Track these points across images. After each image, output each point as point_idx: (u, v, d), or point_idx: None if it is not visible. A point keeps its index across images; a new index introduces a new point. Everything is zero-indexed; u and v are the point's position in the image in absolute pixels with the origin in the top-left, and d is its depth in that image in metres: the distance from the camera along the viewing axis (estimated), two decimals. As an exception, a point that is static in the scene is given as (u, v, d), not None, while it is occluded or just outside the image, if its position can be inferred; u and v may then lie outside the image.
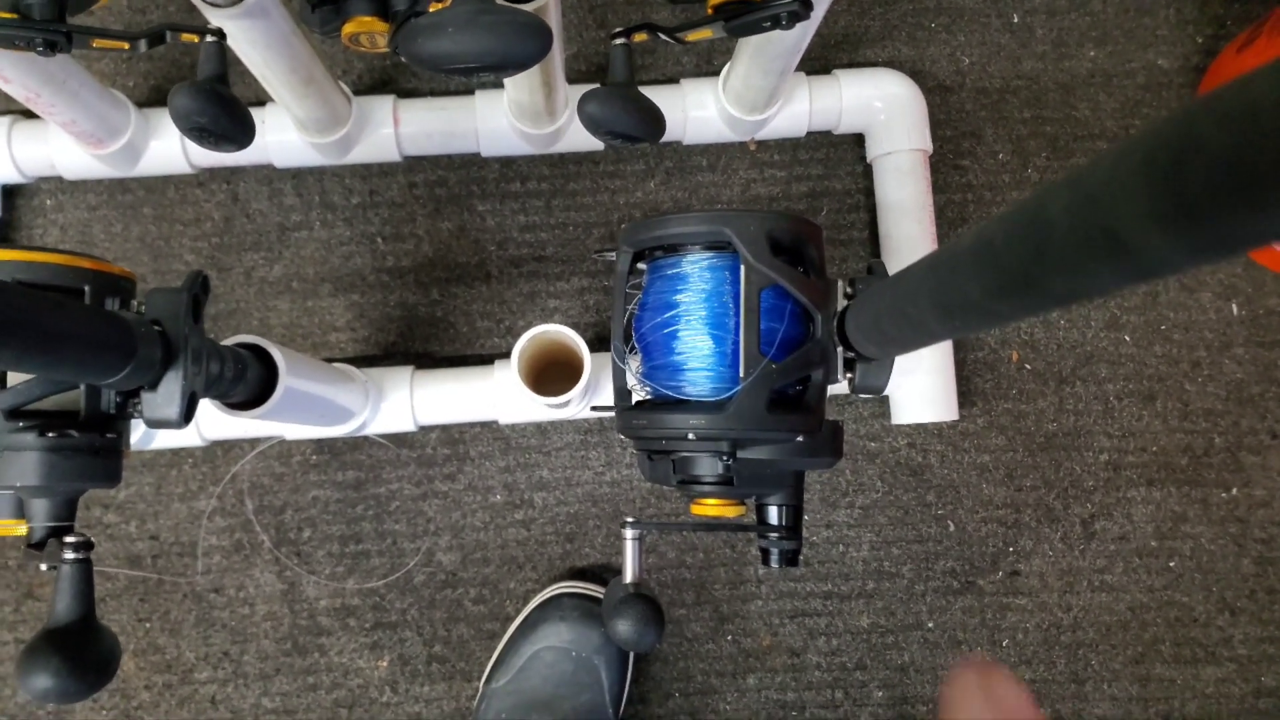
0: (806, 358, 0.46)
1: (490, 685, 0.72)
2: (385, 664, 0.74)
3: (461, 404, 0.72)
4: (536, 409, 0.72)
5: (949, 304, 0.32)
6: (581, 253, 0.77)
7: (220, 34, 0.45)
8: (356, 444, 0.75)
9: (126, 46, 0.43)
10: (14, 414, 0.38)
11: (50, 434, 0.38)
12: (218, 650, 0.74)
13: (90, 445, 0.39)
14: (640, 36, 0.47)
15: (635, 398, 0.51)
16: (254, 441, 0.74)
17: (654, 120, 0.47)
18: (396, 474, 0.75)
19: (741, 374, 0.45)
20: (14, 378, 0.39)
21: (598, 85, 0.49)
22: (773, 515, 0.49)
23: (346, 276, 0.76)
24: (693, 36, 0.46)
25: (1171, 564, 0.78)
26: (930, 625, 0.77)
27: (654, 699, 0.75)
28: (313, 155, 0.73)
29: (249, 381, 0.50)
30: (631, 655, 0.73)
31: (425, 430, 0.75)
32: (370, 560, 0.75)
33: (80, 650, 0.36)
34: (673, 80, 0.76)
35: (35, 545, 0.40)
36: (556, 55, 0.61)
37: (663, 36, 0.48)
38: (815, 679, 0.76)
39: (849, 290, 0.47)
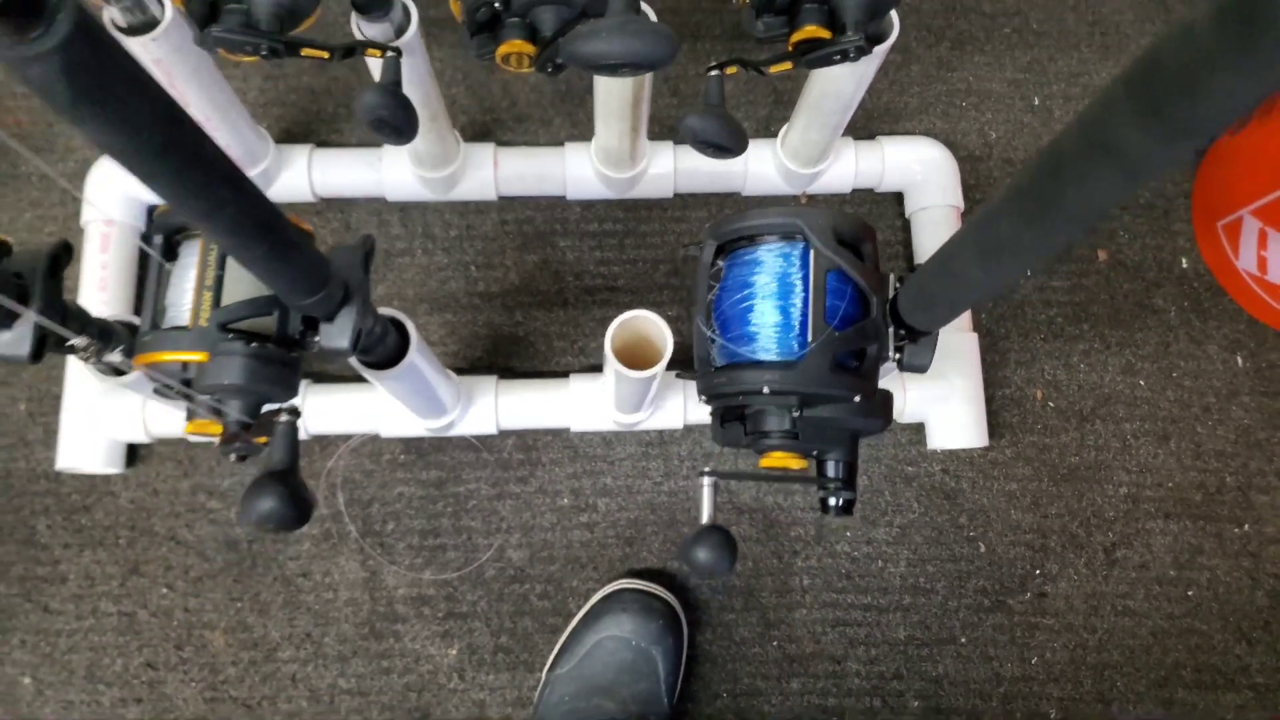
0: (863, 331, 0.54)
1: (554, 672, 0.77)
2: (454, 652, 0.80)
3: (539, 411, 0.80)
4: (605, 419, 0.80)
5: (986, 246, 0.40)
6: (649, 284, 0.87)
7: (398, 51, 0.56)
8: (440, 446, 0.83)
9: (328, 56, 0.54)
10: (225, 327, 0.47)
11: (253, 344, 0.46)
12: (301, 631, 0.80)
13: (281, 358, 0.47)
14: (731, 70, 0.57)
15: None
16: (348, 438, 0.82)
17: (740, 134, 0.57)
18: (475, 475, 0.83)
19: (810, 339, 0.53)
20: (227, 298, 0.48)
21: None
22: (831, 469, 0.56)
23: (442, 298, 0.86)
24: (775, 69, 0.56)
25: (1190, 593, 0.84)
26: (963, 640, 0.82)
27: (703, 698, 0.80)
28: (420, 190, 0.84)
29: (386, 345, 0.58)
30: (685, 648, 0.78)
31: (503, 436, 0.83)
32: (446, 553, 0.81)
33: (294, 487, 0.44)
34: (735, 140, 0.87)
35: (226, 440, 0.48)
36: (644, 106, 0.72)
37: (750, 69, 0.58)
38: (855, 686, 0.81)
39: (898, 284, 0.56)
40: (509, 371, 0.84)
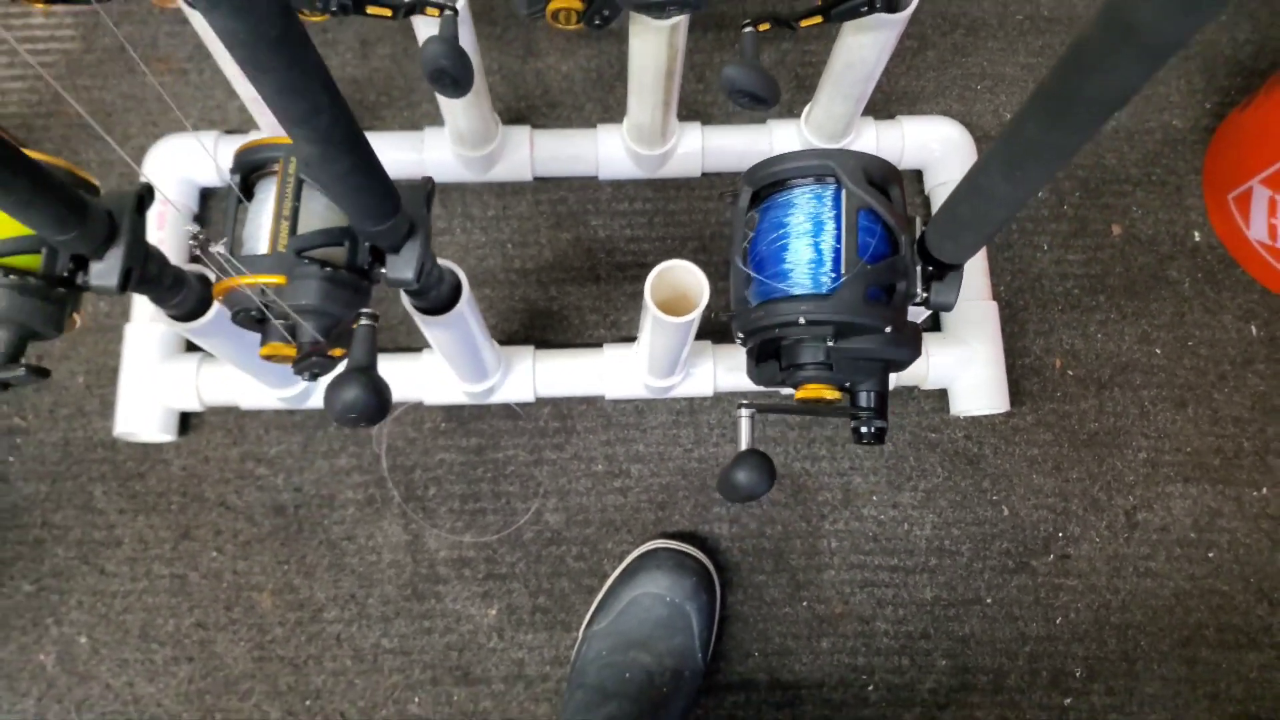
0: (893, 266, 0.57)
1: (591, 629, 0.80)
2: (494, 612, 0.83)
3: (575, 378, 0.83)
4: (637, 386, 0.83)
5: (1012, 155, 0.43)
6: (679, 261, 0.90)
7: (455, 10, 0.60)
8: (480, 414, 0.86)
9: (390, 14, 0.58)
10: (301, 254, 0.50)
11: (326, 268, 0.50)
12: (345, 593, 0.83)
13: (353, 283, 0.51)
14: (764, 26, 0.61)
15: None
16: (394, 406, 0.85)
17: (773, 86, 0.60)
18: (513, 442, 0.86)
19: (843, 271, 0.56)
20: (302, 227, 0.51)
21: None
22: (864, 399, 0.59)
23: (480, 275, 0.89)
24: (806, 23, 0.60)
25: (1210, 555, 0.86)
26: (989, 600, 0.84)
27: (735, 657, 0.83)
28: (459, 171, 0.88)
29: (440, 292, 0.62)
30: (718, 606, 0.81)
31: (539, 404, 0.86)
32: (486, 517, 0.84)
33: (375, 379, 0.47)
34: (760, 122, 0.91)
35: (301, 359, 0.51)
36: (676, 79, 0.76)
37: (782, 26, 0.62)
38: (883, 645, 0.83)
39: (924, 225, 0.59)
40: (545, 344, 0.87)
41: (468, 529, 0.84)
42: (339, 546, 0.84)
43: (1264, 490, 0.87)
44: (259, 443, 0.85)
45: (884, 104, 0.94)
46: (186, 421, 0.86)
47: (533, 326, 0.89)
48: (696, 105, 0.94)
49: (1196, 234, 0.92)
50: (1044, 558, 0.85)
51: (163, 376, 0.81)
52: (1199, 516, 0.86)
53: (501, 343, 0.87)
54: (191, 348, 0.86)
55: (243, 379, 0.80)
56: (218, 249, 0.45)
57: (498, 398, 0.83)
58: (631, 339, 0.87)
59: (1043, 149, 0.41)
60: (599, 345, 0.85)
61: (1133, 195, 0.93)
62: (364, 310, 0.51)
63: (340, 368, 0.49)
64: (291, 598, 0.83)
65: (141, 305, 0.84)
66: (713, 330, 0.87)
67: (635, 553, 0.82)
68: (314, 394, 0.82)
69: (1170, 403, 0.89)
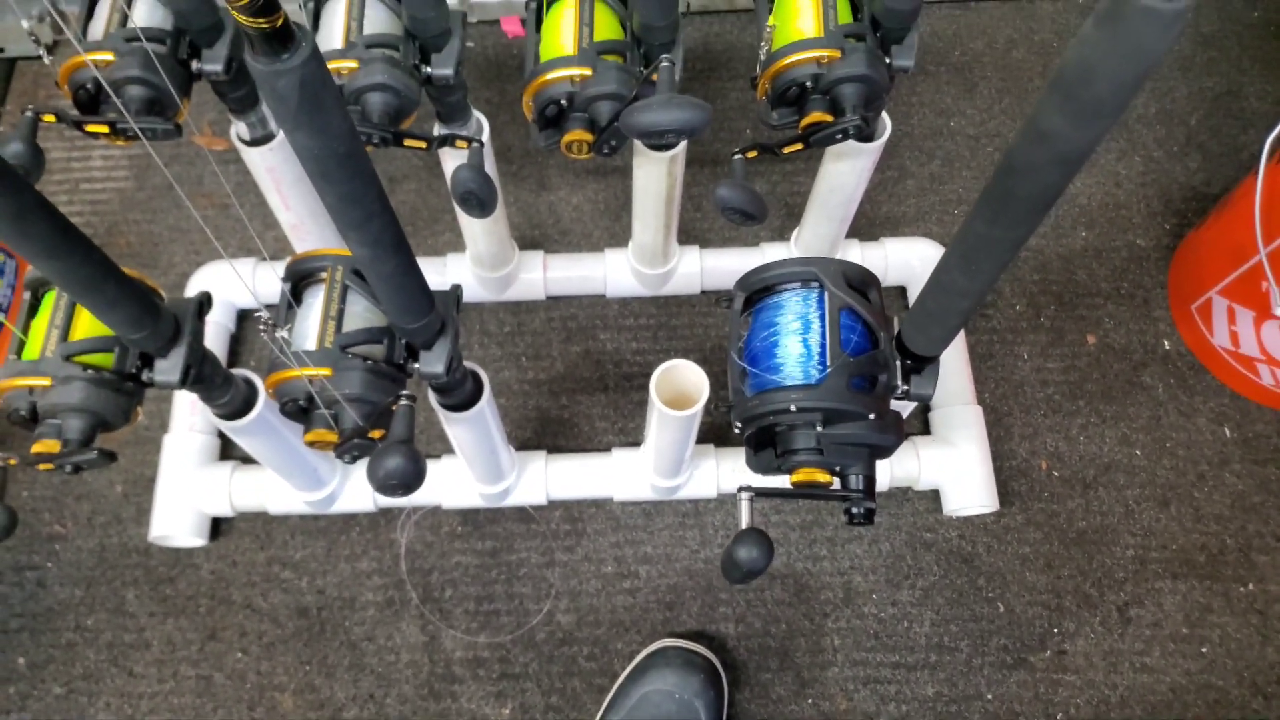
0: (874, 359, 0.63)
1: (602, 724, 0.82)
2: (508, 711, 0.85)
3: (585, 480, 0.88)
4: (645, 488, 0.88)
5: (967, 251, 0.50)
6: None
7: (481, 142, 0.68)
8: (494, 518, 0.90)
9: (425, 146, 0.66)
10: (345, 350, 0.56)
11: (368, 361, 0.56)
12: (365, 692, 0.85)
13: (391, 374, 0.57)
14: (752, 154, 0.69)
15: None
16: (413, 511, 0.90)
17: (761, 204, 0.68)
18: (526, 544, 0.90)
19: (828, 363, 0.62)
20: (346, 327, 0.58)
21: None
22: (853, 482, 0.64)
23: (496, 386, 0.95)
24: (789, 149, 0.68)
25: (1204, 650, 0.88)
26: (990, 696, 0.86)
27: (743, 754, 0.84)
28: (478, 292, 0.95)
29: (465, 389, 0.68)
30: (726, 704, 0.83)
31: (551, 507, 0.91)
32: (500, 618, 0.88)
33: (413, 452, 0.52)
34: (754, 245, 0.99)
35: (344, 442, 0.56)
36: (676, 205, 0.84)
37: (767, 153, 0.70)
38: (888, 741, 0.85)
39: (900, 326, 0.65)
40: (557, 449, 0.93)
41: (482, 629, 0.87)
42: (359, 647, 0.87)
43: (1250, 585, 0.90)
44: (285, 547, 0.90)
45: (868, 228, 1.02)
46: (217, 528, 0.90)
47: (545, 434, 0.94)
48: (695, 231, 1.03)
49: (1166, 342, 0.99)
50: (1041, 654, 0.88)
51: (197, 482, 0.86)
52: (1190, 612, 0.89)
53: (516, 449, 0.93)
54: (224, 457, 0.92)
55: (272, 484, 0.86)
56: (282, 334, 0.52)
57: (512, 500, 0.88)
58: (637, 444, 0.92)
59: (990, 243, 0.47)
60: (608, 450, 0.90)
61: (1104, 307, 1.00)
62: (403, 392, 0.56)
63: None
64: (312, 697, 0.85)
65: (180, 416, 0.90)
66: (714, 434, 0.92)
67: (645, 651, 0.85)
68: (339, 498, 0.87)
69: (1153, 501, 0.93)
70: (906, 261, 0.97)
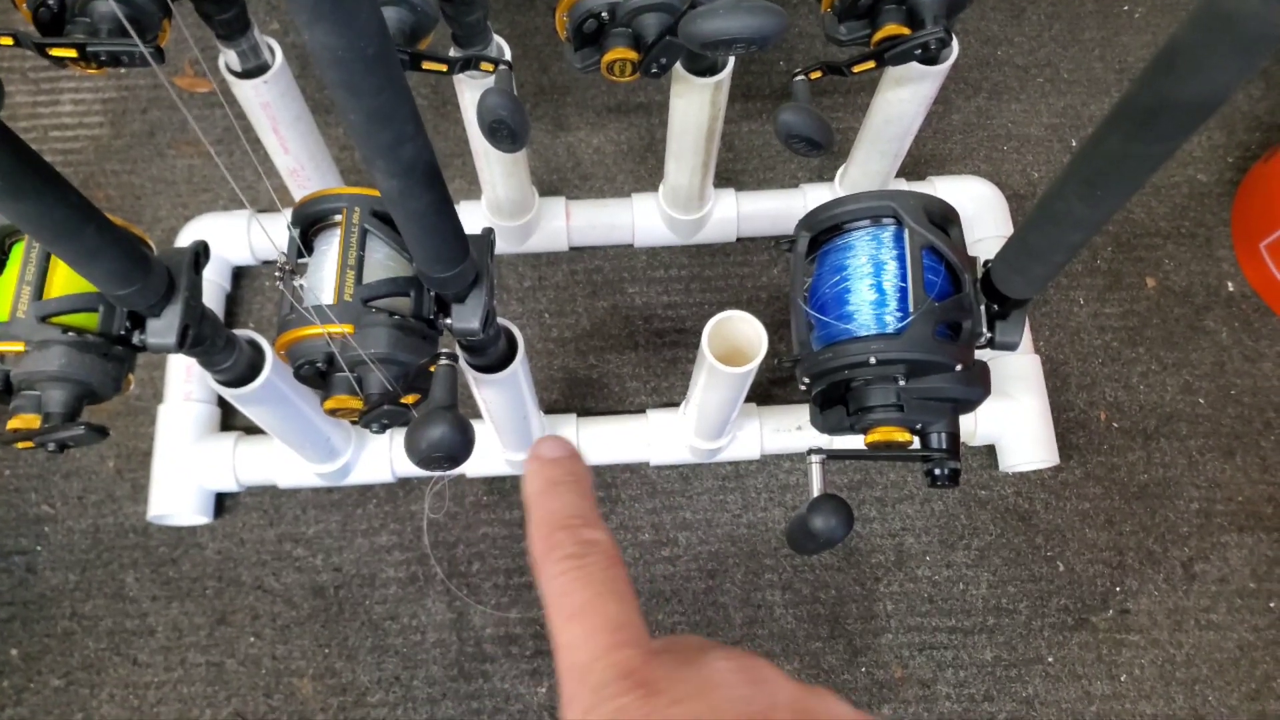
0: (959, 304, 0.57)
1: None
2: (544, 689, 0.80)
3: (619, 443, 0.82)
4: (683, 450, 0.82)
5: (1091, 174, 0.43)
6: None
7: (510, 64, 0.60)
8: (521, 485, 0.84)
9: (445, 69, 0.58)
10: (366, 303, 0.49)
11: (394, 316, 0.49)
12: (390, 675, 0.80)
13: (420, 330, 0.50)
14: (816, 74, 0.62)
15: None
16: (436, 481, 0.83)
17: (828, 129, 0.61)
18: (557, 513, 0.84)
19: (911, 309, 0.56)
20: (368, 277, 0.50)
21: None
22: (935, 440, 0.58)
23: (517, 343, 0.88)
24: (859, 68, 0.60)
25: (1272, 605, 0.84)
26: (1050, 659, 0.82)
27: (795, 729, 0.79)
28: (498, 243, 0.88)
29: (497, 348, 0.61)
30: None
31: (584, 473, 0.84)
32: (532, 591, 0.82)
33: (459, 419, 0.45)
34: (793, 186, 0.92)
35: (369, 410, 0.49)
36: (716, 139, 0.76)
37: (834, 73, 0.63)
38: (946, 710, 0.80)
39: (985, 265, 0.59)
40: (586, 412, 0.86)
41: (513, 604, 0.81)
42: (381, 627, 0.81)
43: (1320, 537, 0.86)
44: (296, 523, 0.83)
45: (914, 167, 0.95)
46: (221, 504, 0.84)
47: (573, 395, 0.88)
48: (728, 173, 0.95)
49: (1230, 283, 0.93)
50: (1103, 613, 0.83)
51: (198, 457, 0.80)
52: (1256, 566, 0.85)
53: (544, 412, 0.86)
54: (226, 427, 0.85)
55: (281, 457, 0.79)
56: (300, 282, 0.44)
57: (542, 467, 0.82)
58: (673, 405, 0.86)
59: (1126, 163, 0.40)
60: (642, 411, 0.84)
61: (1164, 248, 0.94)
62: (443, 351, 0.50)
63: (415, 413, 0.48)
64: (333, 682, 0.79)
65: (175, 384, 0.83)
66: (757, 393, 0.86)
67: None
68: (354, 469, 0.81)
69: (1218, 452, 0.88)
70: (958, 202, 0.89)
